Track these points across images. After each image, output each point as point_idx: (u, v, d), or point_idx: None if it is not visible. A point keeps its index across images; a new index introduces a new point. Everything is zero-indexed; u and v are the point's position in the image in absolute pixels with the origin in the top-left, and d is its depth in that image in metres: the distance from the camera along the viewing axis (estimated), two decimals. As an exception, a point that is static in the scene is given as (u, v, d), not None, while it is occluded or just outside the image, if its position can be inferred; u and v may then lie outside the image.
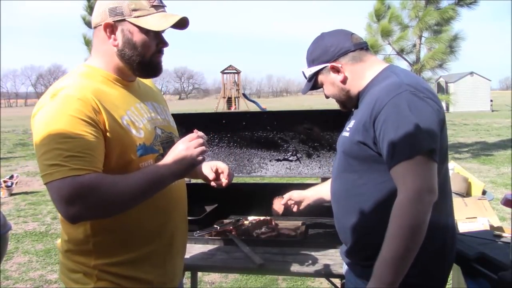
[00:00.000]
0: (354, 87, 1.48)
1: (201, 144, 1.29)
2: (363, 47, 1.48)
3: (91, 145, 1.17)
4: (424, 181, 1.22)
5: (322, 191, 1.81)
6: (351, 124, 1.45)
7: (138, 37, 1.32)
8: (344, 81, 1.47)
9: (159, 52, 1.37)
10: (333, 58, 1.46)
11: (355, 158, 1.40)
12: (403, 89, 1.29)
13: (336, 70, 1.47)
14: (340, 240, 1.56)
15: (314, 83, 1.55)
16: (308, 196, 1.87)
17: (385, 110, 1.28)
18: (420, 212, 1.21)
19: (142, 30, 1.31)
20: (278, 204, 1.93)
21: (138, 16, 1.30)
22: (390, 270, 1.21)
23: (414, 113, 1.25)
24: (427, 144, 1.24)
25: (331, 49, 1.47)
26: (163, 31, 1.34)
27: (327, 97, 1.58)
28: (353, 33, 1.50)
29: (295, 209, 1.87)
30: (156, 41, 1.35)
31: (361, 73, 1.46)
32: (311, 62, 1.53)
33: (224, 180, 1.60)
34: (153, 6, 1.32)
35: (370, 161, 1.35)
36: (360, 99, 1.47)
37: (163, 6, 1.36)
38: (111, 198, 1.16)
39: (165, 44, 1.38)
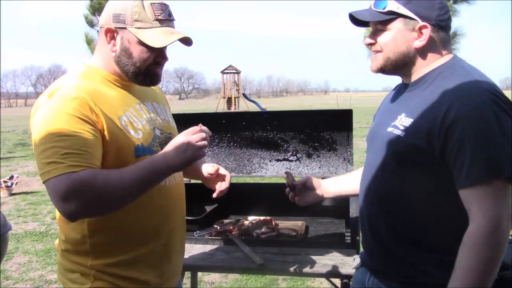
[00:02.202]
0: (417, 64, 1.26)
1: (203, 139, 1.26)
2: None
3: (89, 143, 1.17)
4: (504, 209, 1.09)
5: (343, 188, 1.63)
6: (405, 121, 1.22)
7: (135, 48, 1.31)
8: (420, 49, 1.23)
9: (157, 64, 1.35)
10: (432, 20, 1.20)
11: (407, 162, 1.21)
12: (485, 98, 1.10)
13: (422, 34, 1.21)
14: (367, 245, 1.40)
15: (385, 21, 1.24)
16: (326, 187, 1.64)
17: (464, 120, 1.09)
18: (500, 243, 1.08)
19: (141, 41, 1.29)
20: (291, 179, 1.67)
21: (139, 27, 1.29)
22: None
23: (500, 130, 1.08)
24: (510, 168, 1.08)
25: (437, 9, 1.20)
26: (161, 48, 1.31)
27: (371, 44, 1.30)
28: None
29: (298, 199, 1.64)
30: (155, 54, 1.32)
31: (432, 58, 1.24)
32: (407, 1, 1.22)
33: (224, 184, 1.60)
34: (157, 20, 1.30)
35: (424, 170, 1.19)
36: (415, 85, 1.27)
37: (171, 20, 1.33)
38: (106, 194, 1.15)
39: (164, 58, 1.36)
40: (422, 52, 1.24)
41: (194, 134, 1.26)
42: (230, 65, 28.71)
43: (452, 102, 1.12)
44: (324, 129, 2.42)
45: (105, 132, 1.23)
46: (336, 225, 2.33)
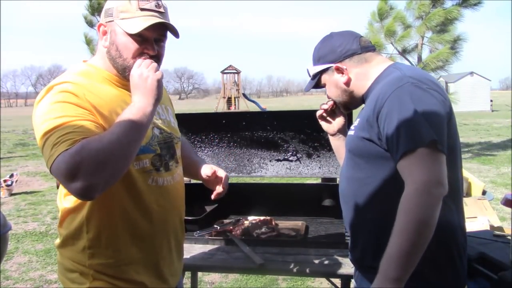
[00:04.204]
0: (358, 88, 1.47)
1: (151, 63, 1.27)
2: (370, 50, 1.47)
3: (87, 123, 1.17)
4: (430, 173, 1.17)
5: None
6: (356, 122, 1.42)
7: (120, 39, 1.30)
8: (347, 83, 1.46)
9: (148, 58, 1.31)
10: (338, 58, 1.45)
11: (361, 156, 1.36)
12: (405, 81, 1.27)
13: (340, 71, 1.46)
14: (350, 242, 1.49)
15: (317, 82, 1.53)
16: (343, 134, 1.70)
17: (387, 104, 1.26)
18: (428, 206, 1.15)
19: (126, 32, 1.29)
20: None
21: (123, 18, 1.30)
22: (395, 266, 1.15)
23: (415, 104, 1.21)
24: (429, 135, 1.19)
25: (338, 49, 1.46)
26: (138, 34, 1.28)
27: (329, 97, 1.57)
28: (361, 36, 1.49)
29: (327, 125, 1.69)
30: (142, 46, 1.31)
31: (365, 74, 1.45)
32: (317, 60, 1.51)
33: (220, 188, 1.60)
34: (141, 9, 1.29)
35: (376, 158, 1.32)
36: (365, 99, 1.45)
37: (158, 11, 1.31)
38: (103, 152, 1.10)
39: (150, 50, 1.32)
40: (351, 81, 1.47)
41: (141, 64, 1.26)
42: (230, 65, 28.67)
43: (381, 93, 1.30)
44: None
45: (102, 130, 1.23)
46: (336, 225, 2.33)
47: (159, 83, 1.26)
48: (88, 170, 1.07)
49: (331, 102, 1.64)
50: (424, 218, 1.15)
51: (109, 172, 1.12)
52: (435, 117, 1.23)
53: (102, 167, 1.09)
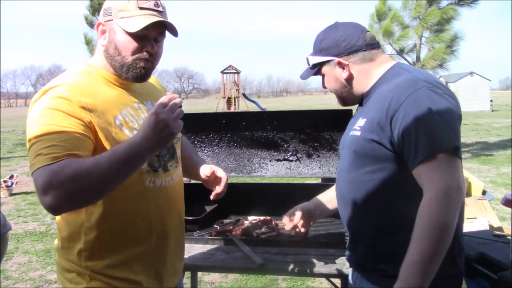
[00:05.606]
0: (359, 85, 1.43)
1: (179, 108, 1.16)
2: (375, 47, 1.43)
3: (74, 136, 1.16)
4: (452, 179, 1.17)
5: (324, 203, 1.76)
6: (361, 122, 1.37)
7: (119, 37, 1.30)
8: (348, 79, 1.43)
9: (146, 58, 1.31)
10: (342, 53, 1.41)
11: (367, 158, 1.33)
12: (420, 85, 1.25)
13: (342, 67, 1.42)
14: (349, 244, 1.50)
15: (316, 72, 1.50)
16: (322, 210, 1.78)
17: (404, 108, 1.23)
18: (449, 211, 1.15)
19: (125, 31, 1.29)
20: (289, 223, 1.79)
21: (122, 17, 1.29)
22: (418, 273, 1.14)
23: (435, 110, 1.20)
24: (451, 141, 1.19)
25: (342, 43, 1.41)
26: (138, 33, 1.28)
27: (324, 87, 1.54)
28: (367, 31, 1.43)
29: (304, 229, 1.78)
30: (141, 43, 1.30)
31: (368, 73, 1.41)
32: (318, 51, 1.46)
33: (218, 188, 1.59)
34: (140, 8, 1.29)
35: (384, 161, 1.30)
36: (367, 97, 1.43)
37: (157, 11, 1.30)
38: (81, 180, 1.09)
39: (150, 48, 1.31)
40: (353, 78, 1.43)
41: (165, 108, 1.14)
42: (230, 65, 28.66)
43: (394, 94, 1.27)
44: (324, 129, 2.43)
45: (98, 132, 1.23)
46: (336, 225, 2.33)
47: (175, 134, 1.16)
48: (59, 193, 1.09)
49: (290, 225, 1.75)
50: (446, 224, 1.15)
51: (78, 200, 1.14)
52: (453, 122, 1.23)
53: (73, 195, 1.11)
